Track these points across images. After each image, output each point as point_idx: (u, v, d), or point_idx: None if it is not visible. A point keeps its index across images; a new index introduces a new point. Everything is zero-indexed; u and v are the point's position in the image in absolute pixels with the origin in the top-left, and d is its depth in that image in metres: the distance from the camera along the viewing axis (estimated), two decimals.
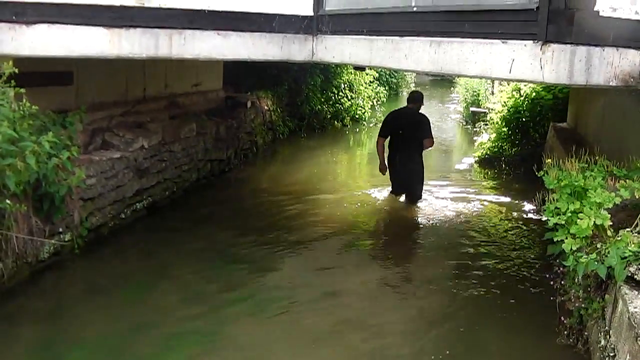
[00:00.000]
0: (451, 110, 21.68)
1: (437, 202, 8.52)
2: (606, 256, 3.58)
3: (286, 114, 13.84)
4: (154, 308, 5.01)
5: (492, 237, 7.18)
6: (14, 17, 5.19)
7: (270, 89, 13.09)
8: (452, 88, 26.80)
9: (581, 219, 3.89)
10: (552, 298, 4.69)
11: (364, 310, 5.18)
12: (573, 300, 4.17)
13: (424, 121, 8.31)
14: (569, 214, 4.07)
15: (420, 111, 8.44)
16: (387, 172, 8.49)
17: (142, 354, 4.31)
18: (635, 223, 3.80)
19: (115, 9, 5.45)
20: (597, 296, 3.88)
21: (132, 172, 6.95)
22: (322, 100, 15.19)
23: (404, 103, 8.82)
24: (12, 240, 4.91)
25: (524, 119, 11.40)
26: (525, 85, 11.59)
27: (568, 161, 4.71)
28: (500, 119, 11.96)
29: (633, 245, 3.54)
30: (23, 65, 5.11)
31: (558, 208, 4.16)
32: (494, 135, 12.21)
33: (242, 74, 11.92)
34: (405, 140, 8.20)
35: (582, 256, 3.73)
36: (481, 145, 12.27)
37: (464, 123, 18.16)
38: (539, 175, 4.64)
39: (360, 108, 17.03)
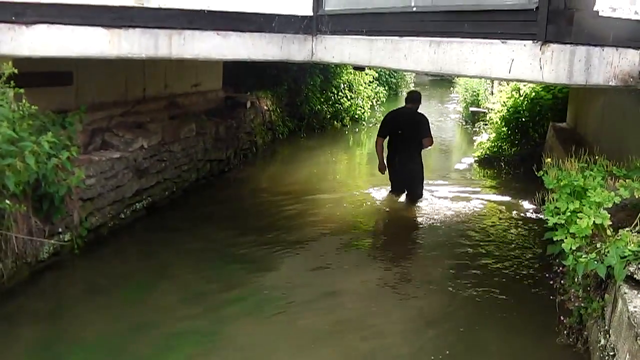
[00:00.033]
0: (451, 110, 21.68)
1: (437, 202, 8.52)
2: (606, 256, 3.58)
3: (286, 114, 13.84)
4: (154, 308, 5.01)
5: (491, 237, 7.18)
6: (13, 18, 5.19)
7: (269, 89, 13.09)
8: (451, 88, 26.79)
9: (581, 219, 3.90)
10: (551, 297, 4.69)
11: (364, 310, 5.17)
12: (573, 299, 4.17)
13: (423, 121, 8.32)
14: (569, 214, 4.07)
15: (418, 111, 8.46)
16: (387, 172, 8.51)
17: (142, 354, 4.31)
18: (635, 222, 3.81)
19: (114, 9, 5.45)
20: (596, 296, 3.89)
21: (131, 172, 6.96)
22: (322, 100, 15.19)
23: (403, 103, 8.83)
24: (11, 240, 4.91)
25: (523, 119, 11.40)
26: (524, 85, 11.60)
27: (568, 161, 4.71)
28: (499, 119, 11.97)
29: (632, 245, 3.54)
30: (23, 65, 5.12)
31: (558, 208, 4.17)
32: (493, 135, 12.21)
33: (241, 74, 11.92)
34: (405, 140, 8.22)
35: (581, 256, 3.74)
36: (481, 145, 12.27)
37: (464, 123, 18.16)
38: (538, 175, 4.64)
39: (359, 108, 17.03)
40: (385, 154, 8.46)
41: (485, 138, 12.99)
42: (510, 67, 4.02)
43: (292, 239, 6.79)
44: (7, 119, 4.79)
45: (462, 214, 8.10)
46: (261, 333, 4.70)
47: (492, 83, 16.72)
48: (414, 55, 4.89)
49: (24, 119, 5.04)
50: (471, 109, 17.51)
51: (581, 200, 4.14)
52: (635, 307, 3.21)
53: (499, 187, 9.98)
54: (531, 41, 3.86)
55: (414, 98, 8.54)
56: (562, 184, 4.35)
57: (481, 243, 6.93)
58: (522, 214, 8.14)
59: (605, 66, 3.81)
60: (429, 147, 8.50)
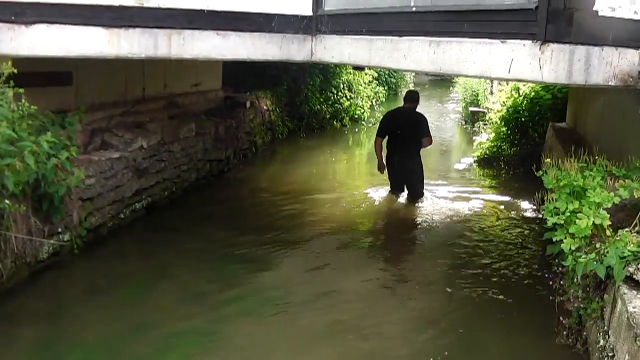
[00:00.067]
0: (450, 110, 21.68)
1: (436, 202, 8.51)
2: (605, 256, 3.58)
3: (285, 114, 13.83)
4: (154, 308, 5.01)
5: (490, 237, 7.18)
6: (13, 18, 5.19)
7: (269, 89, 13.09)
8: (451, 88, 26.78)
9: (580, 219, 3.89)
10: (551, 298, 4.69)
11: (363, 309, 5.17)
12: (572, 300, 4.17)
13: (422, 120, 8.34)
14: (568, 214, 4.07)
15: (417, 110, 8.46)
16: (386, 171, 8.51)
17: (141, 354, 4.31)
18: (634, 223, 3.80)
19: (114, 9, 5.45)
20: (596, 296, 3.88)
21: (131, 172, 6.95)
22: (321, 100, 15.18)
23: (402, 103, 8.83)
24: (11, 240, 4.91)
25: (523, 119, 11.40)
26: (524, 85, 11.59)
27: (567, 161, 4.71)
28: (499, 119, 11.96)
29: (632, 245, 3.54)
30: (22, 65, 5.11)
31: (557, 208, 4.16)
32: (493, 135, 12.20)
33: (241, 74, 11.91)
34: (404, 139, 8.23)
35: (581, 256, 3.74)
36: (480, 145, 12.27)
37: (463, 123, 18.16)
38: (537, 175, 4.64)
39: (359, 108, 17.03)
40: (384, 154, 8.47)
41: (484, 138, 12.98)
42: (509, 67, 4.02)
43: (291, 239, 6.79)
44: (7, 119, 4.78)
45: (461, 213, 8.10)
46: (261, 333, 4.70)
47: (492, 83, 16.71)
48: (414, 55, 4.89)
49: (23, 118, 5.03)
50: (471, 108, 17.51)
51: (580, 200, 4.13)
52: (634, 307, 3.21)
53: (499, 187, 9.99)
54: (531, 41, 3.86)
55: (413, 98, 8.55)
56: (561, 184, 4.35)
57: (480, 243, 6.92)
58: (521, 214, 8.14)
59: (604, 66, 3.81)
60: (428, 147, 8.52)
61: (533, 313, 5.02)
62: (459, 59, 4.41)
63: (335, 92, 15.92)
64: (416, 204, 8.31)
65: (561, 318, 4.37)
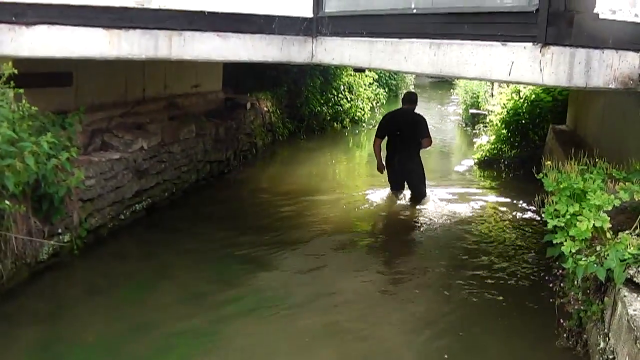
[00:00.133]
0: (450, 112, 21.69)
1: (437, 203, 8.51)
2: (605, 258, 3.58)
3: (285, 115, 13.84)
4: (154, 308, 5.01)
5: (491, 239, 7.18)
6: (13, 18, 5.18)
7: (269, 90, 13.09)
8: (451, 90, 26.81)
9: (580, 222, 3.89)
10: (551, 300, 4.68)
11: (363, 310, 5.17)
12: (572, 302, 4.16)
13: (421, 121, 8.37)
14: (568, 217, 4.07)
15: (415, 111, 8.48)
16: (386, 172, 8.52)
17: (141, 354, 4.31)
18: (635, 225, 3.80)
19: (114, 10, 5.45)
20: (596, 299, 3.88)
21: (131, 173, 6.95)
22: (322, 101, 15.18)
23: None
24: (11, 241, 4.91)
25: (523, 121, 11.40)
26: (524, 87, 11.60)
27: (567, 163, 4.71)
28: (499, 121, 11.96)
29: (632, 248, 3.54)
30: (22, 66, 5.11)
31: (557, 210, 4.16)
32: (493, 137, 12.21)
33: (241, 76, 11.92)
34: (404, 140, 8.26)
35: (581, 258, 3.73)
36: (480, 147, 12.26)
37: (464, 125, 18.16)
38: (538, 178, 4.64)
39: (359, 110, 17.04)
40: (384, 155, 8.49)
41: (485, 140, 12.99)
42: (510, 69, 4.02)
43: (291, 240, 6.79)
44: (7, 120, 4.78)
45: (461, 215, 8.10)
46: (260, 333, 4.70)
47: (492, 85, 16.72)
48: (414, 57, 4.89)
49: (23, 119, 5.03)
50: (471, 111, 17.51)
51: (581, 202, 4.13)
52: (634, 310, 3.21)
53: (499, 189, 9.99)
54: (531, 43, 3.87)
55: (411, 99, 8.60)
56: (561, 186, 4.35)
57: (480, 245, 6.92)
58: (521, 217, 8.14)
59: (605, 69, 3.81)
60: (428, 147, 8.53)
61: (533, 315, 5.02)
62: (459, 61, 4.41)
63: (335, 93, 15.93)
64: (417, 205, 8.31)
65: (561, 320, 4.36)
